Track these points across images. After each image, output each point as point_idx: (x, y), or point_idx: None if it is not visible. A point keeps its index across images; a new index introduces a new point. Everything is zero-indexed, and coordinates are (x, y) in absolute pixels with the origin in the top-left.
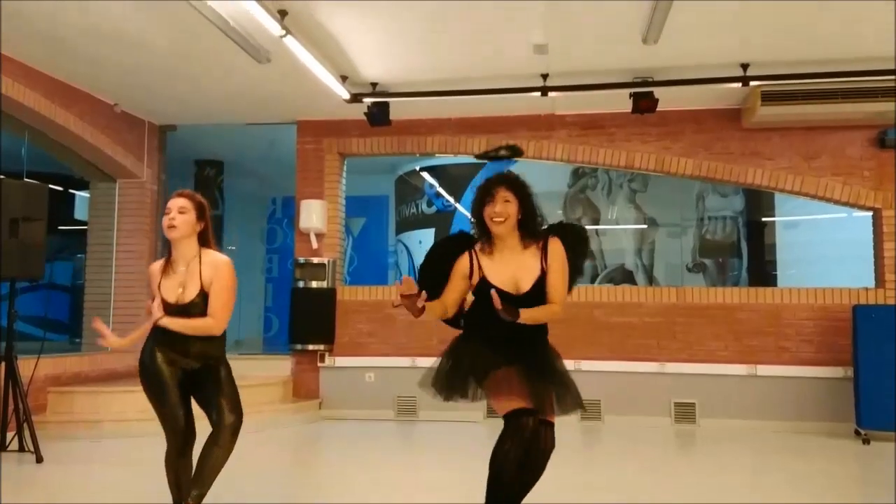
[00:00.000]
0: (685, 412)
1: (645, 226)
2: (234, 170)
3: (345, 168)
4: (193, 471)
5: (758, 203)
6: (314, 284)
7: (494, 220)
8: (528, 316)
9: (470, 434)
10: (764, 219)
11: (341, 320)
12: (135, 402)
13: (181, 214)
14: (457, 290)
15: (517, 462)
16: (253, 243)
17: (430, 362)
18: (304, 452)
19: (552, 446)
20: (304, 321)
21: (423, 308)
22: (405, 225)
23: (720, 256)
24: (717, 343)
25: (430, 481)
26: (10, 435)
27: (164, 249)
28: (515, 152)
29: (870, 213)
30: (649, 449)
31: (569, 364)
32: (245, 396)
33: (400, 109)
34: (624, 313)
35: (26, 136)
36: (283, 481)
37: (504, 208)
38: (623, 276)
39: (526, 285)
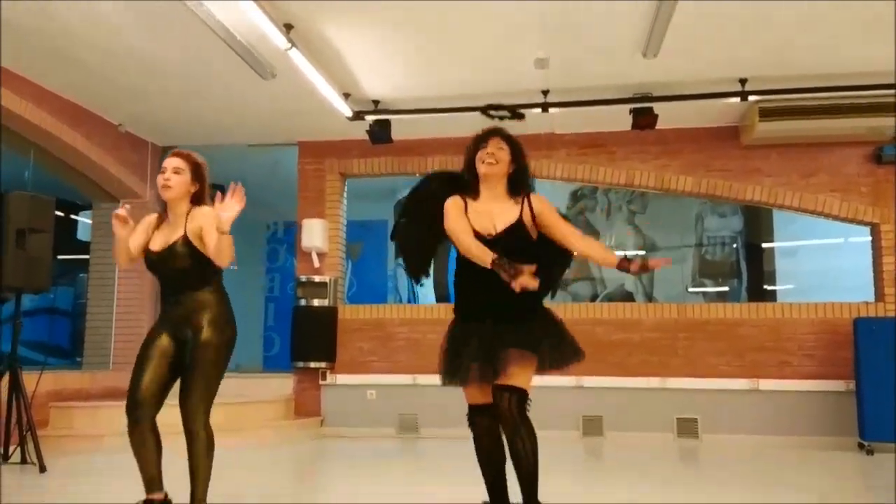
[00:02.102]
0: (688, 427)
1: (644, 252)
2: None
3: (346, 188)
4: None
5: (757, 225)
6: (316, 303)
7: (486, 161)
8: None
9: (469, 449)
10: (763, 244)
11: (342, 339)
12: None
13: (176, 175)
14: (463, 218)
15: (489, 458)
16: (254, 264)
17: (431, 380)
18: (307, 469)
19: (513, 411)
20: (306, 339)
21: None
22: None
23: (720, 278)
24: (718, 359)
25: (434, 496)
26: (11, 448)
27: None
28: (517, 115)
29: (867, 231)
30: (651, 464)
31: (571, 380)
32: (247, 414)
33: (400, 129)
34: (625, 330)
35: (32, 155)
36: (286, 496)
37: (497, 152)
38: (623, 297)
39: (499, 227)
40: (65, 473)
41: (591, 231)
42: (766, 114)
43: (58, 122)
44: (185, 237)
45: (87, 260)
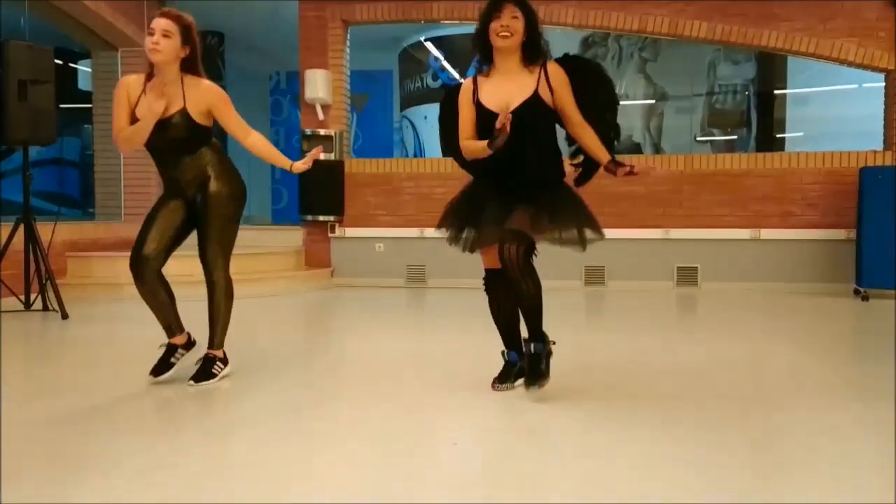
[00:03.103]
0: (688, 276)
1: (654, 101)
2: (236, 43)
3: (349, 37)
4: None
5: (770, 72)
6: (322, 156)
7: (501, 34)
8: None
9: (476, 299)
10: (775, 91)
11: (350, 193)
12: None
13: (165, 38)
14: (472, 117)
15: (500, 309)
16: (257, 116)
17: (438, 233)
18: (320, 314)
19: (519, 258)
20: (314, 193)
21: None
22: (410, 100)
23: (729, 127)
24: (722, 209)
25: (441, 337)
26: (33, 296)
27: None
28: None
29: (881, 81)
30: (648, 309)
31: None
32: (259, 265)
33: None
34: (631, 182)
35: (26, 3)
36: (301, 338)
37: (512, 23)
38: (630, 148)
39: (514, 104)
40: (87, 320)
41: None
42: None
43: None
44: (184, 110)
45: (90, 109)
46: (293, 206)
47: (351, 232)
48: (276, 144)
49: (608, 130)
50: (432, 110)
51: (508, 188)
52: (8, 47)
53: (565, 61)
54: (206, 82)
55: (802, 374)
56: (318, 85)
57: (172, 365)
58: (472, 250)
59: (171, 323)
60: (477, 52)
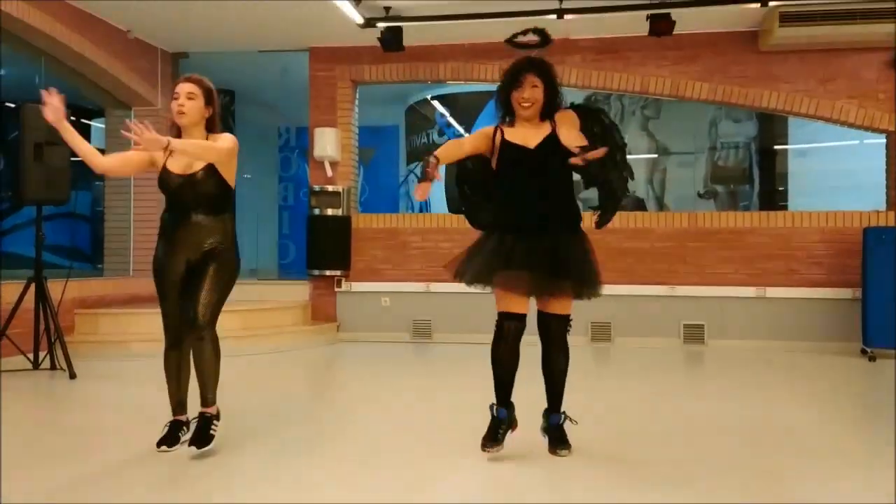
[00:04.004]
0: (694, 333)
1: (657, 155)
2: (246, 99)
3: (357, 96)
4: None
5: (771, 130)
6: (329, 212)
7: (523, 105)
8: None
9: (481, 354)
10: (776, 146)
11: (357, 247)
12: (161, 323)
13: (190, 101)
14: (475, 141)
15: (504, 360)
16: (266, 172)
17: (444, 287)
18: (326, 370)
19: (560, 335)
20: (321, 248)
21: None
22: (416, 155)
23: (732, 183)
24: (727, 267)
25: (447, 394)
26: (41, 354)
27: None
28: (544, 38)
29: (883, 137)
30: (655, 367)
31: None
32: (265, 319)
33: (413, 35)
34: (636, 239)
35: (42, 63)
36: (306, 395)
37: (532, 93)
38: (634, 205)
39: (534, 142)
40: (95, 378)
41: None
42: (787, 19)
43: (66, 29)
44: (208, 166)
45: None
46: (300, 260)
47: (357, 286)
48: (285, 200)
49: (622, 171)
50: None
51: (536, 228)
52: (25, 110)
53: (572, 109)
54: (226, 134)
55: (812, 439)
56: (326, 143)
57: (179, 438)
58: (501, 287)
59: (183, 401)
60: (500, 109)
